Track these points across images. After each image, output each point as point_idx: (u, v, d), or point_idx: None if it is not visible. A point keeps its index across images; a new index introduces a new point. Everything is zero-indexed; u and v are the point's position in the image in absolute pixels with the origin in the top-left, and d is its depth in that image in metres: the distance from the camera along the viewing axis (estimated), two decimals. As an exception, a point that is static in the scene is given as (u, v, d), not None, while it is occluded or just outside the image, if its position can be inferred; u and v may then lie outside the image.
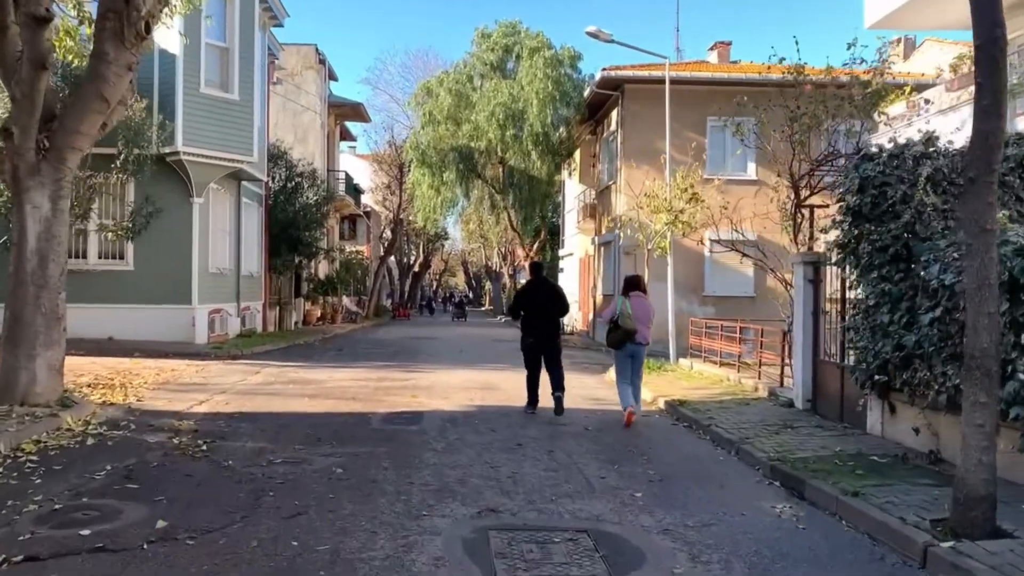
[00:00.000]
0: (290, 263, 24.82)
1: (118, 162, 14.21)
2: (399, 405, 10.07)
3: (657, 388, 11.80)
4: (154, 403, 9.53)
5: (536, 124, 23.78)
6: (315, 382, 12.06)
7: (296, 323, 26.46)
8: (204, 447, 7.23)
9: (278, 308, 24.71)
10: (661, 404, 10.79)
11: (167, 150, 15.68)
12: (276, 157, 23.90)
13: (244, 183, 19.86)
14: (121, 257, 16.35)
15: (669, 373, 13.95)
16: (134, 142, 14.20)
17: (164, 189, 16.22)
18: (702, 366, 14.21)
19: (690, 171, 14.66)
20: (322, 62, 33.10)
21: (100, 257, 16.33)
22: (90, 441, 7.24)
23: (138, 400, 9.65)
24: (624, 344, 9.46)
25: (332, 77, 35.58)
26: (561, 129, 25.13)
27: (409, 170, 33.12)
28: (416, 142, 27.12)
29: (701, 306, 21.24)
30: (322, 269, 31.55)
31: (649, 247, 14.09)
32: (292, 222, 22.89)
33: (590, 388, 12.44)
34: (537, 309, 9.90)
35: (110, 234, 15.27)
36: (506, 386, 12.02)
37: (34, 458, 6.52)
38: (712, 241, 14.88)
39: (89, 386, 10.39)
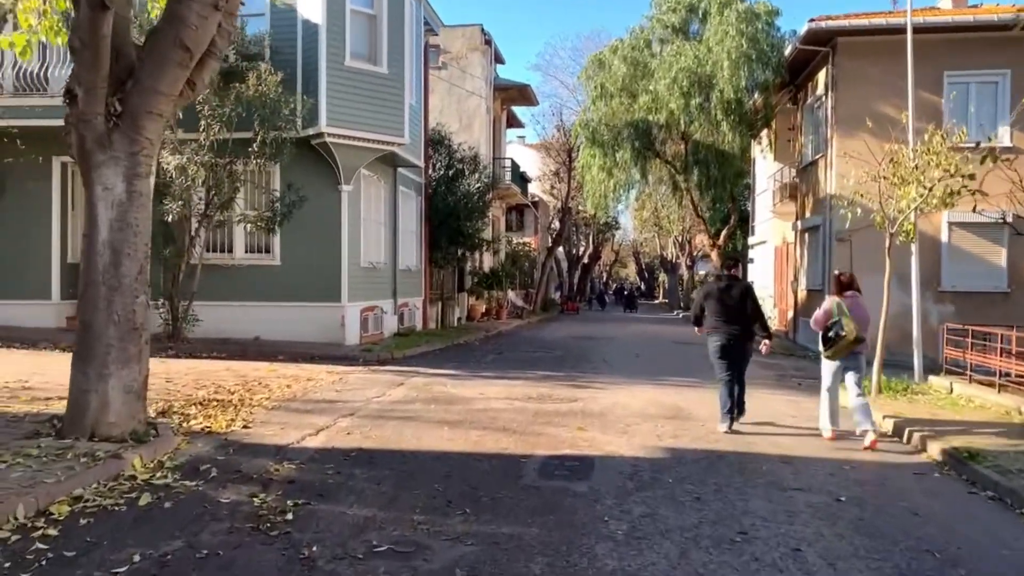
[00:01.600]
0: (452, 256, 23.16)
1: (255, 146, 12.83)
2: (562, 443, 7.61)
3: (913, 421, 8.53)
4: (262, 432, 7.69)
5: (727, 89, 20.34)
6: (462, 400, 9.88)
7: (459, 319, 24.87)
8: (290, 514, 5.14)
9: (440, 304, 23.19)
10: (934, 452, 7.57)
11: (311, 131, 14.20)
12: (437, 143, 22.28)
13: (400, 170, 18.26)
14: (268, 251, 15.13)
15: (921, 397, 10.50)
16: (270, 122, 12.73)
17: (310, 175, 14.80)
18: (968, 389, 10.61)
19: (950, 129, 11.03)
20: (488, 43, 31.46)
21: (247, 251, 15.21)
22: (144, 500, 5.35)
23: (245, 427, 7.85)
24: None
25: (499, 60, 33.91)
26: (756, 95, 21.50)
27: (578, 153, 30.67)
28: (586, 120, 24.44)
29: (937, 303, 17.22)
30: (487, 262, 29.92)
31: (891, 230, 10.68)
32: (452, 212, 21.13)
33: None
34: (724, 310, 8.47)
35: (250, 226, 13.99)
36: (701, 414, 9.25)
37: (52, 532, 4.67)
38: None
39: (200, 404, 8.79)
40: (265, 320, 14.86)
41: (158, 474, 5.96)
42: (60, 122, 12.29)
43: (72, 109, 6.49)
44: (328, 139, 14.25)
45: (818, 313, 8.24)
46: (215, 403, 8.89)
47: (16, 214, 14.37)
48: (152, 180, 6.91)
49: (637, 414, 9.23)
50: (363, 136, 14.60)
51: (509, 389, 10.90)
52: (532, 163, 45.39)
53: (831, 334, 7.98)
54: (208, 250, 15.04)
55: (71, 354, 6.75)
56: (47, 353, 12.60)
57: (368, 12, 14.74)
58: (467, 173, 22.54)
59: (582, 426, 8.41)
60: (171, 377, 10.75)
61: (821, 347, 8.28)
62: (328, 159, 14.69)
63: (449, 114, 30.63)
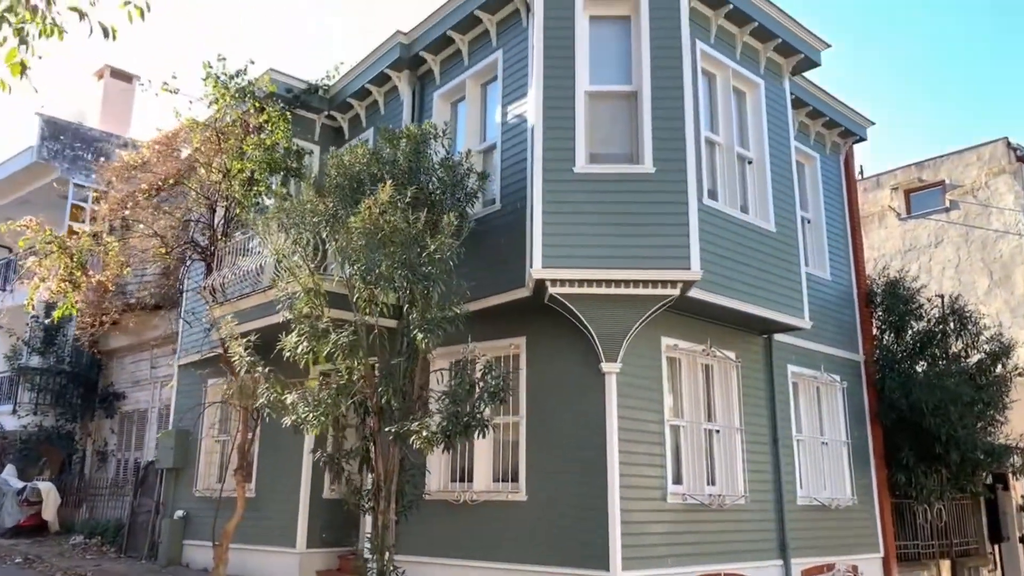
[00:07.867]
0: (972, 477, 13.60)
1: (407, 316, 8.08)
2: None
3: None
4: None
5: None
6: None
7: (997, 594, 14.35)
8: None
9: (947, 563, 13.64)
10: None
11: (536, 277, 8.84)
12: (894, 295, 13.99)
13: (778, 338, 11.17)
14: (511, 479, 9.62)
15: None
16: (412, 263, 7.88)
17: (560, 351, 9.27)
18: None
19: None
20: (1021, 159, 21.57)
21: (495, 480, 9.92)
22: None
23: None
24: None
25: (1051, 182, 23.10)
26: None
27: None
28: None
29: None
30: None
31: None
32: (914, 405, 12.23)
33: None
34: None
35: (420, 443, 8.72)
36: None
37: None
38: None
39: None
40: (509, 592, 9.11)
41: None
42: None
43: None
44: (553, 289, 8.63)
45: None
46: None
47: (266, 431, 11.63)
48: None
49: None
50: (608, 278, 8.45)
51: None
52: None
53: None
54: (453, 479, 10.35)
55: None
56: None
57: (620, 90, 9.21)
58: (948, 338, 13.45)
59: None
60: None
61: None
62: (572, 320, 8.97)
63: (972, 267, 21.41)
